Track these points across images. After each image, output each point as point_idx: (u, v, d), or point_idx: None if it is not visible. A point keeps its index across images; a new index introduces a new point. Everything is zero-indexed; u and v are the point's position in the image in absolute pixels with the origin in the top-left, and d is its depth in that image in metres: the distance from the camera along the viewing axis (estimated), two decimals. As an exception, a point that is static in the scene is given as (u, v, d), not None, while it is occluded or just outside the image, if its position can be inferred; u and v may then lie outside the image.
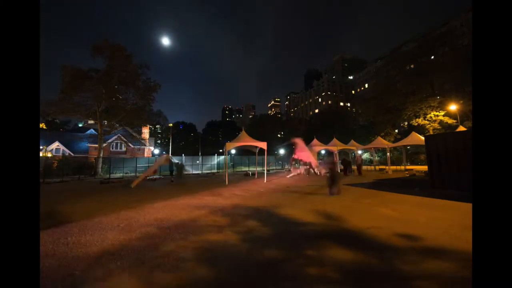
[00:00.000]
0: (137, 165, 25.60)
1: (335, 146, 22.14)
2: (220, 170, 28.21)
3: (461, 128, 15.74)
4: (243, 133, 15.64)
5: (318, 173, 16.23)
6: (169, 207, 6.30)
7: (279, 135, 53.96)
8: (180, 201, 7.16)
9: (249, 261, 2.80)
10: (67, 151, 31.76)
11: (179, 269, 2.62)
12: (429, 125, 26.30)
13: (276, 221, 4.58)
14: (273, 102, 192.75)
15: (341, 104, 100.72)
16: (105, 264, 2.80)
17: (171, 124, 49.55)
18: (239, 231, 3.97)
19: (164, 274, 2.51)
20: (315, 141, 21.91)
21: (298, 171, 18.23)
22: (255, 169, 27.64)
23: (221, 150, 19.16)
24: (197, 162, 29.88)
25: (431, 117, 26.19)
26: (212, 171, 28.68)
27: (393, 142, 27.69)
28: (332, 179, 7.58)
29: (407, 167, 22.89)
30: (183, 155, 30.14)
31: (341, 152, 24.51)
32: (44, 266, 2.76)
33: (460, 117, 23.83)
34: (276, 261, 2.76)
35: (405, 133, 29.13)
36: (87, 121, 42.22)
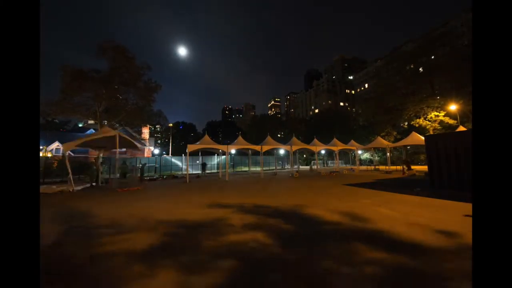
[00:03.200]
0: (137, 165, 25.55)
1: (335, 146, 22.15)
2: (222, 170, 28.24)
3: (461, 128, 15.73)
4: (240, 138, 18.09)
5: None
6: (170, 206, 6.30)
7: (279, 135, 53.93)
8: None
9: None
10: (67, 151, 31.73)
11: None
12: (429, 126, 26.29)
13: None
14: (273, 102, 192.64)
15: (341, 104, 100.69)
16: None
17: (171, 124, 49.56)
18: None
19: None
20: (315, 141, 21.91)
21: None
22: (254, 169, 27.63)
23: (220, 150, 19.58)
24: (197, 162, 29.87)
25: (431, 118, 26.17)
26: (212, 171, 28.67)
27: (393, 142, 27.67)
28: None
29: (407, 167, 22.85)
30: (183, 154, 30.13)
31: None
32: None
33: (460, 117, 23.82)
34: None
35: (405, 133, 29.13)
36: (87, 121, 42.21)
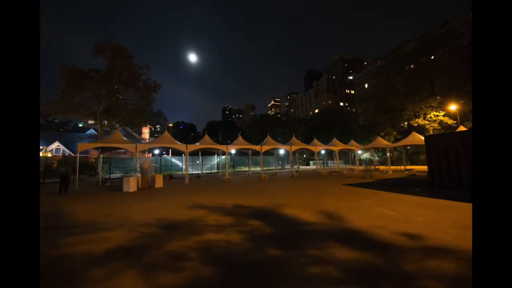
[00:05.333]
0: (137, 165, 25.58)
1: (335, 146, 22.15)
2: (222, 170, 28.22)
3: (461, 128, 15.72)
4: (240, 138, 18.42)
5: None
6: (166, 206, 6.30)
7: (279, 137, 53.83)
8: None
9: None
10: (67, 151, 31.73)
11: (182, 268, 2.63)
12: (429, 125, 26.28)
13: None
14: (273, 102, 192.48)
15: (341, 104, 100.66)
16: (108, 263, 2.80)
17: (171, 124, 49.56)
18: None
19: (167, 274, 2.51)
20: (315, 141, 21.90)
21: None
22: (254, 169, 27.63)
23: (220, 150, 19.60)
24: (197, 162, 29.87)
25: (431, 117, 26.17)
26: (212, 171, 28.68)
27: (393, 142, 27.64)
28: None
29: (407, 167, 22.86)
30: (183, 155, 30.11)
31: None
32: (47, 265, 2.77)
33: (460, 117, 23.82)
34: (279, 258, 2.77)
35: (405, 133, 29.14)
36: (87, 121, 42.19)
